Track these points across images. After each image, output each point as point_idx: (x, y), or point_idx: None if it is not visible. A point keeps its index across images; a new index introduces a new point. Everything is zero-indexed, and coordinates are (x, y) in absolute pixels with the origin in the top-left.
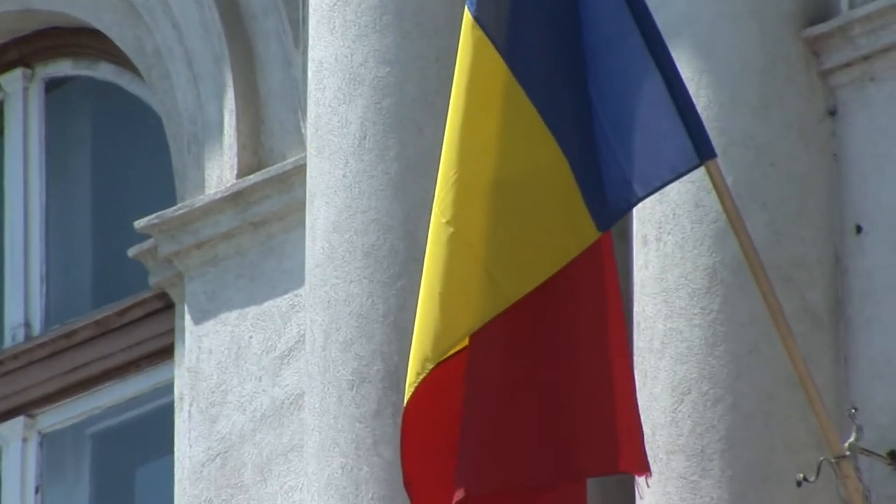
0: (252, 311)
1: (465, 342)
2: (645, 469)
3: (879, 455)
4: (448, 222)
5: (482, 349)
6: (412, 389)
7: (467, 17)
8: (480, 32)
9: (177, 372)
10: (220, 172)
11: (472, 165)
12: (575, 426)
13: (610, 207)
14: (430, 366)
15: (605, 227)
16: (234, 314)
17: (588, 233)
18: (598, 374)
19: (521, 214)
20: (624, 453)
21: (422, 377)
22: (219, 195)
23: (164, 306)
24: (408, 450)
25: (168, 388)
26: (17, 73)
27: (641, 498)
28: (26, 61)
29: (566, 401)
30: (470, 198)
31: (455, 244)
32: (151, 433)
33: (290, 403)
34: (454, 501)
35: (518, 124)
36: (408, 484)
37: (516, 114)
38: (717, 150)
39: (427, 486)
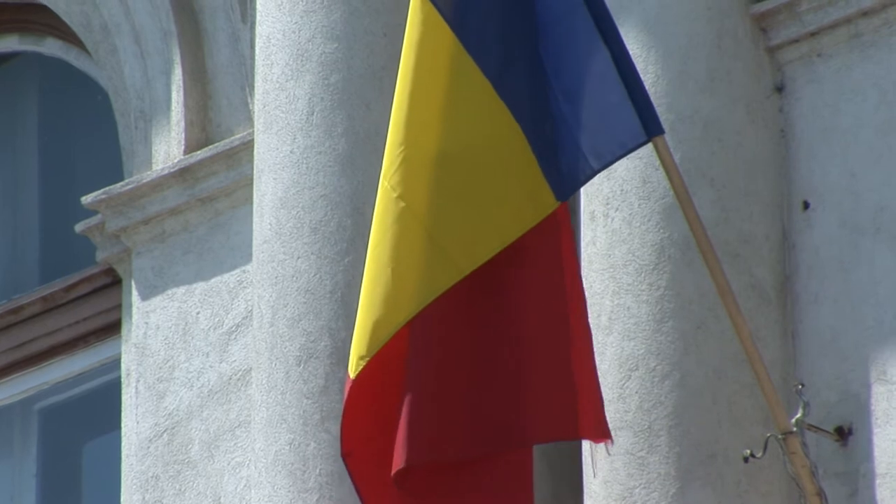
0: (199, 286)
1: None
2: (604, 435)
3: (826, 431)
4: (399, 196)
5: (426, 322)
6: (363, 363)
7: None
8: (429, 4)
9: (124, 348)
10: (167, 148)
11: (421, 138)
12: (525, 395)
13: (567, 177)
14: (385, 339)
15: (563, 197)
16: (181, 290)
17: (547, 202)
18: (555, 344)
19: (473, 186)
20: (583, 420)
21: (374, 352)
22: (166, 171)
23: (112, 282)
24: (348, 423)
25: (115, 363)
26: None
27: (589, 474)
28: None
29: (516, 371)
30: (419, 172)
31: (405, 219)
32: (99, 409)
33: (238, 379)
34: (394, 472)
35: (467, 95)
36: (346, 455)
37: (465, 85)
38: (665, 126)
39: (365, 459)
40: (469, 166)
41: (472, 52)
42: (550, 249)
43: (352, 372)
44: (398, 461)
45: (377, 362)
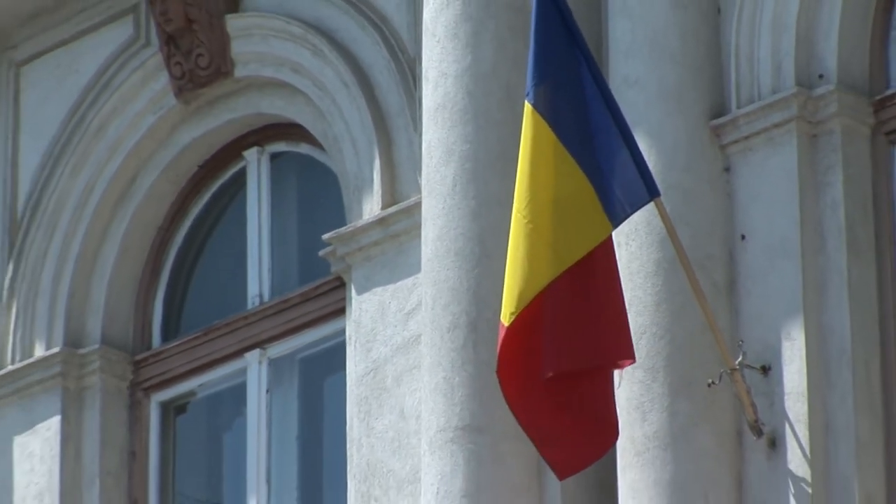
0: (391, 287)
1: (539, 292)
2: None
3: (756, 368)
4: (528, 221)
5: (554, 296)
6: (514, 317)
7: (528, 106)
8: (539, 116)
9: (347, 322)
10: (371, 207)
11: (538, 192)
12: (612, 332)
13: (616, 216)
14: (524, 304)
15: (615, 226)
16: (380, 289)
17: (607, 227)
18: (619, 300)
19: (569, 216)
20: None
21: (520, 309)
22: (371, 220)
23: (340, 284)
24: (503, 356)
25: (342, 331)
26: (254, 150)
27: (616, 392)
28: (259, 142)
29: (606, 318)
30: (539, 208)
31: (532, 235)
32: (334, 358)
33: (413, 341)
34: (545, 377)
35: (562, 168)
36: (498, 373)
37: (561, 162)
38: (661, 191)
39: (512, 378)
40: (564, 206)
41: (564, 141)
42: (609, 252)
43: (505, 321)
44: (546, 371)
45: (520, 319)
